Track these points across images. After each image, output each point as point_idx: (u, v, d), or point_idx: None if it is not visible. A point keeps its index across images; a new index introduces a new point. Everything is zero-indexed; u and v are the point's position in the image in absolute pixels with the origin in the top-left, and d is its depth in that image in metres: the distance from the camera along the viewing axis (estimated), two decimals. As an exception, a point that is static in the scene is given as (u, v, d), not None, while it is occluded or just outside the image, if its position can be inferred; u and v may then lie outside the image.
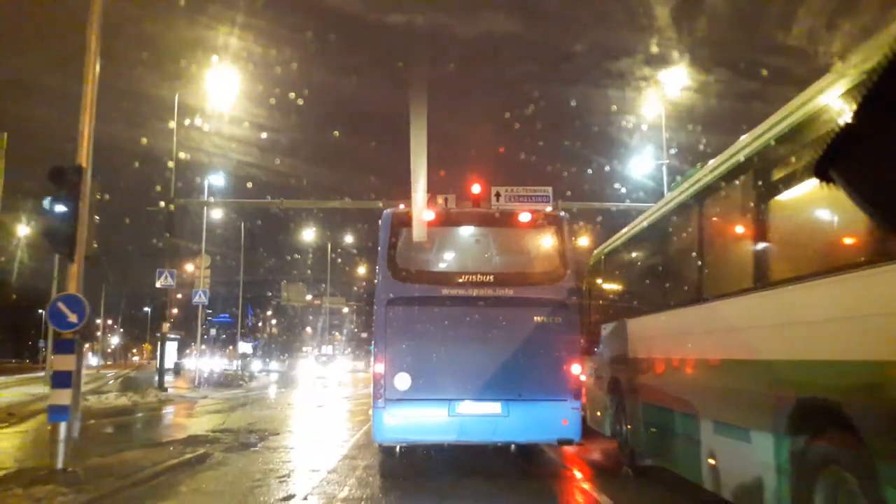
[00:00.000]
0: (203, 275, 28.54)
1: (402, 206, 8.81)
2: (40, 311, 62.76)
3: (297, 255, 53.12)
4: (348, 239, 48.17)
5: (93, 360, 77.74)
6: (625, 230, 9.55)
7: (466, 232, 9.05)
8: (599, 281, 10.55)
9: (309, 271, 53.99)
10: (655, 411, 7.31)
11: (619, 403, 9.00)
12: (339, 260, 51.29)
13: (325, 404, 21.35)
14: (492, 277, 8.41)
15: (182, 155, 22.03)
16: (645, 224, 8.47)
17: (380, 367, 8.20)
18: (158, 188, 22.85)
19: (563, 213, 9.04)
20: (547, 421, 8.15)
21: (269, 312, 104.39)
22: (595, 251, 11.29)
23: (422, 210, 8.48)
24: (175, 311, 40.00)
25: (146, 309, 75.57)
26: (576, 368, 8.27)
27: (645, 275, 8.61)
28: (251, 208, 28.03)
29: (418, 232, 8.40)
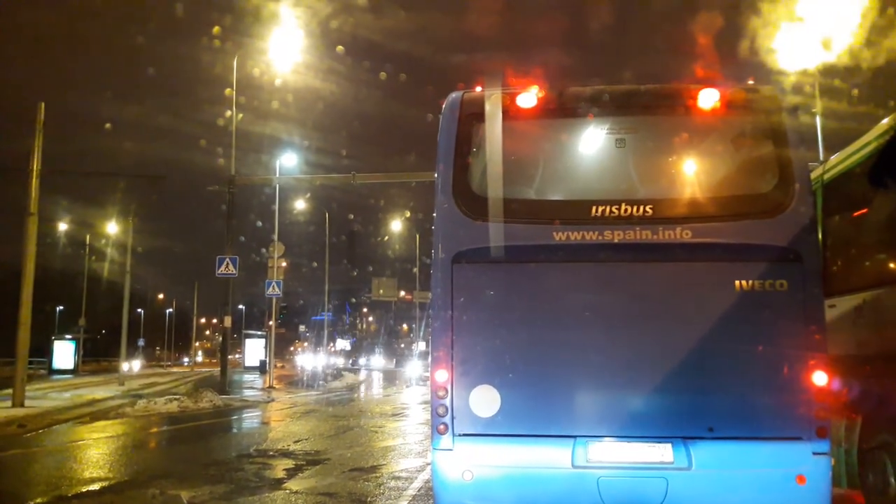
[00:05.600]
0: (277, 265, 25.96)
1: (479, 89, 4.97)
2: (139, 310, 63.65)
3: (386, 249, 50.67)
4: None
5: (199, 357, 78.92)
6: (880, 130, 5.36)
7: (599, 128, 4.88)
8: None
9: (396, 263, 51.27)
10: None
11: (881, 438, 5.02)
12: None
13: (403, 412, 17.82)
14: (650, 209, 4.50)
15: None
16: None
17: (442, 376, 4.50)
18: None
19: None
20: (764, 479, 4.22)
21: (364, 309, 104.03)
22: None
23: (512, 91, 4.74)
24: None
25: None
26: (820, 378, 4.27)
27: None
28: (325, 189, 25.15)
29: (508, 129, 4.64)
